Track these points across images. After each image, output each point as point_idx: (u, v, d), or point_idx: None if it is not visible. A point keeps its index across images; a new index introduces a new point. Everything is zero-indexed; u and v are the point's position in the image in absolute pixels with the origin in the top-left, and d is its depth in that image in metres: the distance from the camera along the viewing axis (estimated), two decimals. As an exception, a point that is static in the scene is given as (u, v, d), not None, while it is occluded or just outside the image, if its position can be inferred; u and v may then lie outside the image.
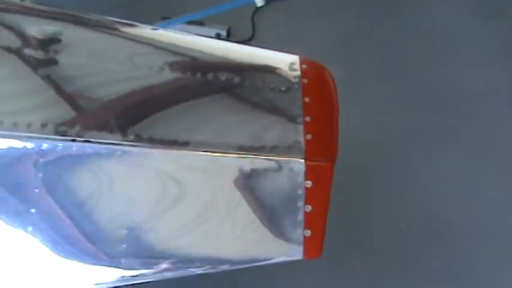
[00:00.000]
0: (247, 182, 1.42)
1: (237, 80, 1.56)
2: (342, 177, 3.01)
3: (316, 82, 1.66)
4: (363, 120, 3.03)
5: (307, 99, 1.58)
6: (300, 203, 1.41)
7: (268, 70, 1.66)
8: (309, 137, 1.49)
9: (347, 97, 3.25)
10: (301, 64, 1.68)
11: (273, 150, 1.45)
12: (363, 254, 2.53)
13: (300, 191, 1.42)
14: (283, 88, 1.60)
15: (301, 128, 1.50)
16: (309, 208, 1.40)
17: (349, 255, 2.50)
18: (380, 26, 3.56)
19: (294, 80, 1.63)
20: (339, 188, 2.91)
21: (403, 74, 3.29)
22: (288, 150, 1.46)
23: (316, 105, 1.58)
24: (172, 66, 1.53)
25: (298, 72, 1.65)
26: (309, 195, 1.42)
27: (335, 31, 3.46)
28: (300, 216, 1.40)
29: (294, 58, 1.71)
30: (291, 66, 1.67)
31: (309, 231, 1.39)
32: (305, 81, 1.63)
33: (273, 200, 1.43)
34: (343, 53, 3.35)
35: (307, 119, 1.53)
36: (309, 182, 1.43)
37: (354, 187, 2.78)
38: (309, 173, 1.43)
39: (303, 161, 1.44)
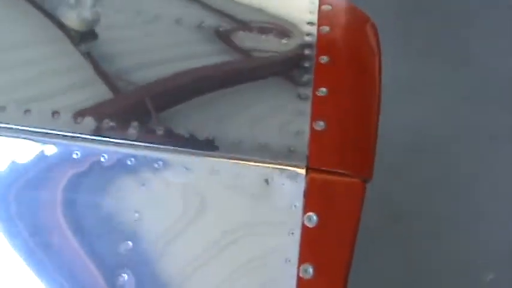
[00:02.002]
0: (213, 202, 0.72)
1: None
2: (396, 193, 2.28)
3: (344, 33, 0.93)
4: (428, 115, 2.24)
5: (323, 59, 0.86)
6: (292, 259, 0.68)
7: (268, 12, 0.96)
8: (319, 125, 0.76)
9: (403, 84, 2.59)
10: (321, 4, 0.96)
11: (250, 148, 0.74)
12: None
13: (293, 234, 0.69)
14: (283, 40, 0.89)
15: (306, 108, 0.78)
16: (308, 271, 0.67)
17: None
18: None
19: (304, 28, 0.92)
20: (392, 210, 2.20)
21: (476, 62, 2.47)
22: (277, 149, 0.74)
23: (340, 70, 0.86)
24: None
25: (314, 16, 0.93)
26: (310, 244, 0.69)
27: (385, 7, 2.70)
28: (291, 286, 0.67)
29: (312, -5, 1.00)
30: (307, 8, 0.96)
31: (306, 321, 0.65)
32: (324, 30, 0.91)
33: (252, 245, 0.72)
34: (395, 30, 2.58)
35: (320, 92, 0.80)
36: (312, 214, 0.70)
37: (414, 209, 1.99)
38: (312, 196, 0.71)
39: (303, 171, 0.72)
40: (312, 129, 0.76)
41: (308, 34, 0.90)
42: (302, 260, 0.68)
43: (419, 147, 2.14)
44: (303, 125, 0.76)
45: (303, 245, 0.69)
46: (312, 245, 0.69)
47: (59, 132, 0.74)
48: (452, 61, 2.48)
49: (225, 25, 0.91)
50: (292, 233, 0.69)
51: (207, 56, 0.89)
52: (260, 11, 0.96)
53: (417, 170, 2.07)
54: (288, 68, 0.86)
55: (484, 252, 1.88)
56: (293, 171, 0.72)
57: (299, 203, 0.70)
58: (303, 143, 0.74)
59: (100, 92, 0.80)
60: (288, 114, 0.79)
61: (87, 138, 0.73)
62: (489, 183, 2.06)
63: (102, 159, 0.72)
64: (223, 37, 0.91)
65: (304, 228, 0.69)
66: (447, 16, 2.70)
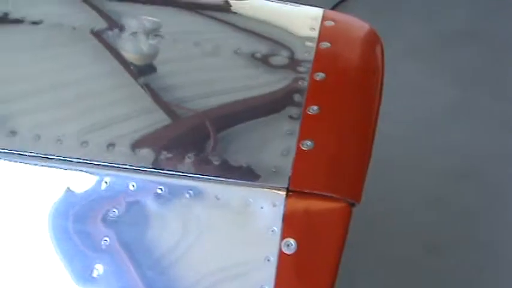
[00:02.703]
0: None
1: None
2: (433, 222, 2.14)
3: (344, 49, 0.89)
4: (474, 142, 2.11)
5: (319, 76, 0.81)
6: (267, 287, 0.64)
7: (267, 29, 0.93)
8: (306, 145, 0.72)
9: (448, 111, 2.44)
10: (323, 21, 0.92)
11: (232, 169, 0.71)
12: None
13: (270, 260, 0.65)
14: (279, 57, 0.86)
15: (295, 126, 0.74)
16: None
17: None
18: (493, 24, 2.64)
19: (303, 45, 0.88)
20: (428, 240, 2.10)
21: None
22: (260, 170, 0.70)
23: (335, 88, 0.81)
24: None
25: (315, 33, 0.90)
26: (287, 272, 0.64)
27: (432, 31, 2.61)
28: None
29: (316, 12, 0.96)
30: (309, 24, 0.92)
31: None
32: (323, 46, 0.87)
33: (225, 271, 0.68)
34: (441, 58, 2.49)
35: (311, 110, 0.76)
36: (290, 240, 0.65)
37: (452, 239, 1.85)
38: (292, 220, 0.66)
39: (283, 193, 0.67)
40: (299, 149, 0.71)
41: (306, 51, 0.87)
42: (277, 288, 0.63)
43: (464, 174, 2.02)
44: (290, 145, 0.72)
45: (280, 272, 0.64)
46: (288, 273, 0.64)
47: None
48: (501, 88, 2.36)
49: (220, 42, 0.89)
50: (269, 260, 0.65)
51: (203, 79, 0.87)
52: (259, 28, 0.94)
53: (461, 198, 1.95)
54: (281, 86, 0.82)
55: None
56: (273, 193, 0.67)
57: (277, 227, 0.66)
58: (287, 164, 0.70)
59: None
60: (276, 135, 0.74)
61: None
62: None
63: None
64: (221, 56, 0.89)
65: (282, 254, 0.64)
66: (495, 40, 2.59)
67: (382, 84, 0.83)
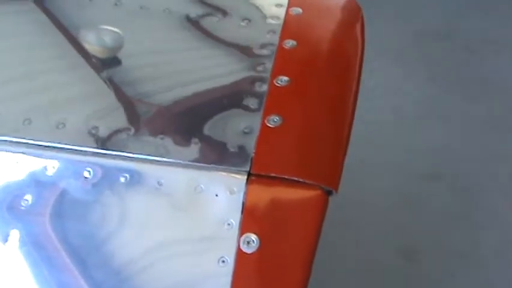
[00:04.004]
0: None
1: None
2: (410, 226, 2.05)
3: (317, 15, 0.76)
4: (450, 142, 2.03)
5: (288, 44, 0.68)
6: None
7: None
8: (273, 121, 0.59)
9: (422, 111, 2.40)
10: (294, -15, 0.80)
11: (179, 148, 0.57)
12: None
13: (225, 262, 0.51)
14: (242, 23, 0.73)
15: (260, 100, 0.61)
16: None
17: None
18: (467, 25, 2.60)
19: (270, 10, 0.75)
20: (405, 245, 2.01)
21: (499, 89, 2.28)
22: (214, 150, 0.57)
23: (308, 57, 0.68)
24: None
25: (285, -2, 0.77)
26: (247, 276, 0.51)
27: (406, 31, 2.55)
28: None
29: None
30: None
31: None
32: (294, 11, 0.74)
33: (172, 273, 0.54)
34: (415, 58, 2.42)
35: (280, 81, 0.63)
36: (251, 236, 0.52)
37: (429, 244, 1.76)
38: (253, 211, 0.53)
39: (243, 178, 0.54)
40: (264, 126, 0.58)
41: (274, 17, 0.74)
42: (234, 294, 0.50)
43: (437, 176, 1.94)
44: (254, 121, 0.59)
45: (237, 276, 0.50)
46: (249, 278, 0.51)
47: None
48: (479, 87, 2.29)
49: (171, 6, 0.76)
50: (224, 261, 0.51)
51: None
52: None
53: (434, 200, 1.86)
54: (245, 55, 0.69)
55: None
56: (230, 177, 0.54)
57: (235, 220, 0.52)
58: (249, 143, 0.57)
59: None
60: (237, 109, 0.61)
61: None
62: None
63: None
64: (180, 21, 0.75)
65: (240, 254, 0.51)
66: (470, 40, 2.54)
67: (362, 56, 0.71)
